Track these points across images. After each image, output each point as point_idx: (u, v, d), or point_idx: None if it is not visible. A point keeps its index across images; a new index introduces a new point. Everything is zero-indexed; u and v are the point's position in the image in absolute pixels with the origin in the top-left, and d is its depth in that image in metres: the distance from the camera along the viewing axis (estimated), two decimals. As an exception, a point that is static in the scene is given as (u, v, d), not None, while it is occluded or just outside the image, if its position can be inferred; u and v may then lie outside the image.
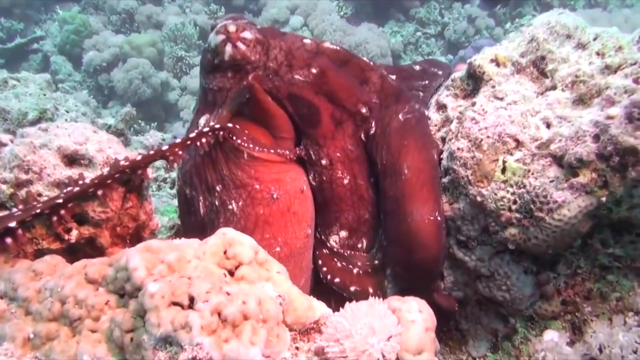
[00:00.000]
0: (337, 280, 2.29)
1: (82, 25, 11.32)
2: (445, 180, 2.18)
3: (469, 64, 2.23)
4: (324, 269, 2.33)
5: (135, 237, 2.13)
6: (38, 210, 1.80)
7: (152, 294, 1.43)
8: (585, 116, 1.92)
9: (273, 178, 2.20)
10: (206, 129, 2.09)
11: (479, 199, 2.03)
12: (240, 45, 2.12)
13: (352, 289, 2.26)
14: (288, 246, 2.21)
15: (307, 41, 2.22)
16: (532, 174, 1.94)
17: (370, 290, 2.25)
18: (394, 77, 2.35)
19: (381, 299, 2.14)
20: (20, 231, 1.77)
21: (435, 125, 2.33)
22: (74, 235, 1.91)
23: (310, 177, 2.32)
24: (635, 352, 1.88)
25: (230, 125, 2.13)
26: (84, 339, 1.51)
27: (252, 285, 1.57)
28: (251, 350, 1.38)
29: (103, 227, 1.97)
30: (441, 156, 2.23)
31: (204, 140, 2.09)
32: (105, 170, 1.94)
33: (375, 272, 2.29)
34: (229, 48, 2.12)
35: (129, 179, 2.00)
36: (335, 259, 2.35)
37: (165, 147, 2.02)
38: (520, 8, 12.55)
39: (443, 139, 2.26)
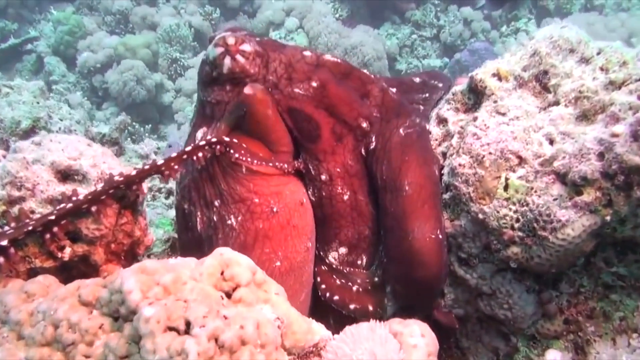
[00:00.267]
0: (336, 297, 2.25)
1: (76, 26, 11.27)
2: (446, 196, 2.15)
3: (470, 78, 2.20)
4: (323, 286, 2.29)
5: (129, 253, 2.09)
6: (30, 228, 1.75)
7: (148, 318, 1.39)
8: (589, 133, 1.89)
9: (272, 191, 2.16)
10: (202, 143, 2.05)
11: (480, 216, 1.99)
12: (239, 58, 2.08)
13: (352, 306, 2.22)
14: (288, 260, 2.17)
15: (307, 53, 2.17)
16: (535, 191, 1.91)
17: (370, 309, 2.21)
18: (394, 89, 2.31)
19: (382, 317, 2.11)
20: (12, 250, 1.73)
21: (436, 140, 2.30)
22: (67, 253, 1.87)
23: (309, 193, 2.27)
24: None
25: (227, 138, 2.09)
26: (78, 365, 1.47)
27: (250, 307, 1.54)
28: (249, 378, 1.35)
29: (97, 244, 1.93)
30: (442, 171, 2.19)
31: (200, 154, 2.04)
32: (100, 186, 1.90)
33: (375, 289, 2.25)
34: (227, 61, 2.07)
35: (124, 194, 1.96)
36: (334, 276, 2.31)
37: (160, 162, 1.98)
38: (516, 11, 12.56)
39: (444, 154, 2.23)
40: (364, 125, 2.19)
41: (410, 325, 1.58)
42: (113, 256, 2.02)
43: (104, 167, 2.02)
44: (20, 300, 1.65)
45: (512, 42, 12.14)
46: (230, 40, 2.07)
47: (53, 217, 1.77)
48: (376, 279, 2.27)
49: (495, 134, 2.01)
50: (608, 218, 1.80)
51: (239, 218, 2.14)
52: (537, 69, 2.12)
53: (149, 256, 2.90)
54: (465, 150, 2.05)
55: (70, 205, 1.81)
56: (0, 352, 1.52)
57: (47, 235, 1.79)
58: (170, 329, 1.40)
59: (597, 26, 11.15)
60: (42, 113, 3.61)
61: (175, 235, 3.14)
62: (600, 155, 1.80)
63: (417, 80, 2.53)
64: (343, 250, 2.31)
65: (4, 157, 1.96)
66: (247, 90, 2.07)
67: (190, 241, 2.30)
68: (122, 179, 1.89)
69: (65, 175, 1.96)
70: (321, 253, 2.34)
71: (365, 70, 2.28)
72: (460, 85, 2.29)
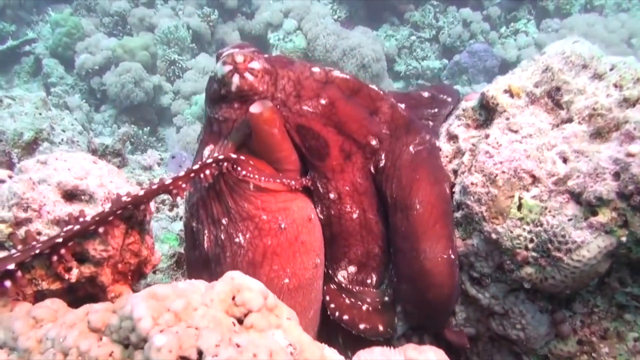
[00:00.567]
0: (345, 317, 2.22)
1: (74, 27, 11.24)
2: (458, 215, 2.12)
3: (481, 94, 2.17)
4: (332, 305, 2.26)
5: (137, 272, 2.06)
6: (37, 251, 1.72)
7: (159, 348, 1.37)
8: (603, 151, 1.87)
9: (280, 207, 2.13)
10: (209, 161, 2.02)
11: (494, 236, 1.97)
12: (248, 76, 2.04)
13: (362, 326, 2.19)
14: (297, 277, 2.14)
15: (315, 70, 2.14)
16: (550, 211, 1.89)
17: (381, 328, 2.18)
18: (402, 105, 2.27)
19: (392, 337, 2.08)
20: (19, 273, 1.69)
21: (447, 157, 2.27)
22: (74, 274, 1.83)
23: (317, 211, 2.24)
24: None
25: (234, 155, 2.06)
26: (88, 396, 1.45)
27: (262, 334, 1.51)
28: (263, 410, 1.32)
29: (104, 265, 1.90)
30: (453, 189, 2.16)
31: (207, 172, 2.02)
32: (107, 206, 1.87)
33: (386, 309, 2.22)
34: (236, 79, 2.04)
35: (131, 214, 1.93)
36: (344, 295, 2.28)
37: (168, 181, 1.95)
38: (515, 12, 12.55)
39: (455, 172, 2.20)
40: (373, 142, 2.16)
41: (425, 352, 1.55)
42: (120, 276, 1.99)
43: (111, 186, 1.99)
44: (29, 327, 1.62)
45: (511, 43, 12.14)
46: (239, 58, 2.03)
47: (60, 239, 1.74)
48: (386, 298, 2.25)
49: (508, 152, 1.98)
50: (624, 239, 1.78)
51: (247, 235, 2.11)
52: (550, 85, 2.09)
53: (154, 272, 2.87)
54: (478, 168, 2.02)
55: (77, 226, 1.78)
56: (10, 381, 1.50)
57: (55, 257, 1.76)
58: (183, 358, 1.37)
59: (597, 27, 11.12)
60: (45, 124, 3.57)
61: (181, 250, 3.11)
62: (616, 175, 1.78)
63: (426, 94, 2.50)
64: (352, 269, 2.28)
65: (10, 177, 1.93)
66: (254, 109, 2.03)
67: (198, 259, 2.27)
68: (129, 199, 1.86)
69: (71, 195, 1.93)
70: (330, 272, 2.31)
71: (373, 86, 2.24)
72: (471, 101, 2.26)
